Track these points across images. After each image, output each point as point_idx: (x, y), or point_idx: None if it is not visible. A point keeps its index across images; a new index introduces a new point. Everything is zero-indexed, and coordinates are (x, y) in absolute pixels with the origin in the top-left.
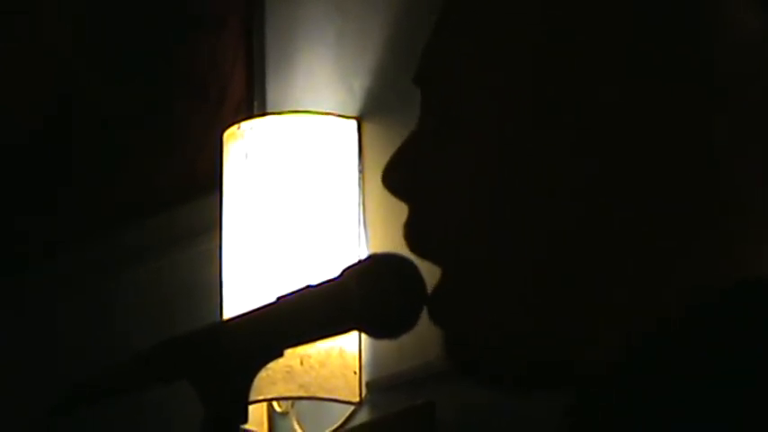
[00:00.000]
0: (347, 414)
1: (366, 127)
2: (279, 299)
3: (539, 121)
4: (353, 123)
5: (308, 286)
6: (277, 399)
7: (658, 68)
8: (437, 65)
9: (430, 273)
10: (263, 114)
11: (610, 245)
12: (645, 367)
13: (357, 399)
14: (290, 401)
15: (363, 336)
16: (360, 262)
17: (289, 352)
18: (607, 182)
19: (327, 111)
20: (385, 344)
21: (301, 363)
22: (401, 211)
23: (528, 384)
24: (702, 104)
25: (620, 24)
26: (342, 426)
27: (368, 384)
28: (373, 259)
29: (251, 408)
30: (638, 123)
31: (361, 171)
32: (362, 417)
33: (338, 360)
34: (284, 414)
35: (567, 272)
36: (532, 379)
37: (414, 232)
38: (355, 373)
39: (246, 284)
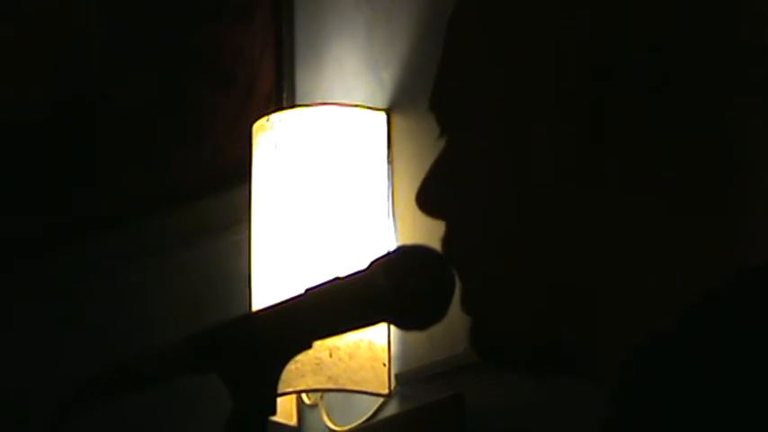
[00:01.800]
0: (376, 406)
1: (395, 119)
2: (308, 291)
3: (551, 132)
4: (383, 115)
5: (337, 278)
6: (306, 391)
7: (677, 72)
8: (449, 86)
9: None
10: (293, 106)
11: (628, 239)
12: (664, 358)
13: (386, 391)
14: (319, 394)
15: (392, 328)
16: (388, 254)
17: (318, 344)
18: (625, 178)
19: (356, 103)
20: (414, 336)
21: (330, 355)
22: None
23: (543, 371)
24: (715, 102)
25: (640, 28)
26: (371, 418)
27: (397, 376)
28: (402, 251)
29: (280, 400)
30: (656, 126)
31: (390, 163)
32: (392, 409)
33: (367, 352)
34: (313, 406)
35: (584, 268)
36: (548, 366)
37: (450, 247)
38: (384, 365)
39: (275, 276)
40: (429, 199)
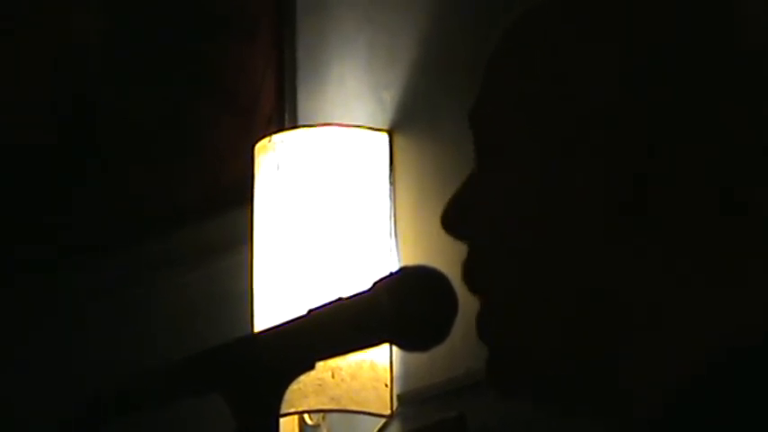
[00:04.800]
0: (378, 427)
1: (397, 139)
2: (310, 311)
3: (584, 162)
4: (385, 136)
5: (340, 299)
6: (308, 411)
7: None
8: (489, 106)
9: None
10: (295, 127)
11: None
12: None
13: (388, 411)
14: (321, 414)
15: (395, 348)
16: (391, 275)
17: (320, 364)
18: (658, 206)
19: (358, 123)
20: (416, 356)
21: (332, 375)
22: (432, 224)
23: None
24: None
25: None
26: None
27: (399, 397)
28: (404, 272)
29: (282, 420)
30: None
31: (392, 183)
32: (393, 429)
33: (369, 373)
34: (315, 427)
35: (609, 299)
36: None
37: (470, 271)
38: (386, 385)
39: (278, 297)
40: (456, 221)
